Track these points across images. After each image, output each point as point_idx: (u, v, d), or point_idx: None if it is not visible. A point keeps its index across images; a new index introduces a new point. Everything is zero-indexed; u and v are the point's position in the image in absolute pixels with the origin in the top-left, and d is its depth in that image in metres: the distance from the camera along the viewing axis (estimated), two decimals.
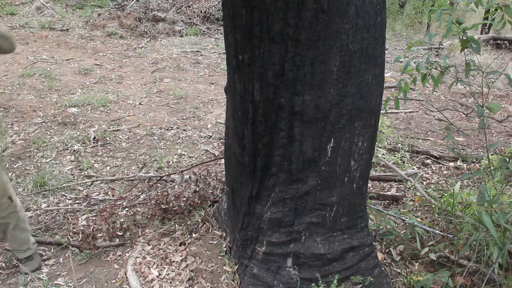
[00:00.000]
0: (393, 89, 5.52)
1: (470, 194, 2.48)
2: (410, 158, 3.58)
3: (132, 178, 3.15)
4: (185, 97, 5.32)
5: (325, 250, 1.81)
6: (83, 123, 4.24)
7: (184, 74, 6.57)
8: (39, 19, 9.62)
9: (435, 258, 2.01)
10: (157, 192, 2.85)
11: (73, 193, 2.94)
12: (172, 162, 3.47)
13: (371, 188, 3.05)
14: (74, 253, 2.30)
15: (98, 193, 2.96)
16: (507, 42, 8.57)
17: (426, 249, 2.07)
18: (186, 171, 3.14)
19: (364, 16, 1.52)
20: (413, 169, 3.37)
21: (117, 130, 4.10)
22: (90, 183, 3.09)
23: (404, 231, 2.30)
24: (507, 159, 1.72)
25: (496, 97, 5.71)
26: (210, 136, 4.07)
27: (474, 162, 3.42)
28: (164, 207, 2.55)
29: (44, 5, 10.40)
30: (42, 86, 5.33)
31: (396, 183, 3.13)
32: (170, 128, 4.25)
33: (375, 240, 2.25)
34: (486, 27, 9.26)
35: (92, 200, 2.87)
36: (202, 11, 10.14)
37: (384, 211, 2.49)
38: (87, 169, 3.29)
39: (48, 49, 7.48)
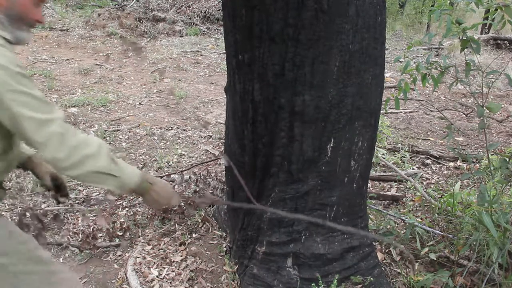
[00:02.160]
0: (393, 89, 5.52)
1: (470, 194, 2.48)
2: (410, 158, 3.58)
3: None
4: (185, 97, 5.32)
5: (325, 250, 1.80)
6: (83, 123, 4.24)
7: (184, 74, 6.57)
8: None
9: (435, 258, 2.01)
10: None
11: (73, 193, 2.93)
12: (172, 162, 3.47)
13: (371, 188, 3.05)
14: (74, 253, 2.30)
15: (98, 193, 2.96)
16: (507, 42, 8.57)
17: (426, 249, 2.07)
18: (186, 171, 3.14)
19: (364, 16, 1.52)
20: (413, 169, 3.37)
21: (117, 130, 4.10)
22: None
23: (404, 231, 2.30)
24: (507, 159, 1.72)
25: (496, 97, 5.72)
26: (210, 136, 4.07)
27: (474, 162, 3.42)
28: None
29: (44, 5, 10.38)
30: (42, 86, 5.33)
31: (396, 183, 3.13)
32: (170, 128, 4.25)
33: (375, 240, 2.25)
34: (486, 27, 9.27)
35: (92, 200, 2.87)
36: (202, 11, 10.15)
37: (384, 211, 2.49)
38: None
39: (48, 49, 7.48)
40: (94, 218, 2.59)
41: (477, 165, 3.36)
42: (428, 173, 3.35)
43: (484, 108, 1.72)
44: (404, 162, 3.45)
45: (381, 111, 1.88)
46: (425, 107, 5.17)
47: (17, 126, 1.04)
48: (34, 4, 1.14)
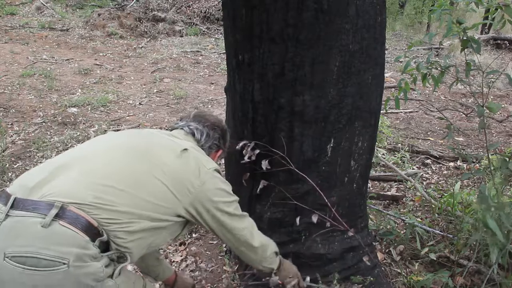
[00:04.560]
0: (393, 89, 5.52)
1: (470, 194, 2.47)
2: (410, 158, 3.58)
3: None
4: (185, 97, 5.32)
5: (325, 250, 1.80)
6: (83, 123, 4.24)
7: (184, 74, 6.57)
8: (39, 19, 9.63)
9: (435, 258, 2.01)
10: None
11: None
12: None
13: (371, 188, 3.05)
14: None
15: None
16: (507, 42, 8.57)
17: (426, 249, 2.06)
18: None
19: (364, 16, 1.52)
20: (413, 169, 3.37)
21: (117, 130, 4.09)
22: None
23: (404, 231, 2.30)
24: (507, 159, 1.72)
25: (496, 97, 5.71)
26: None
27: (474, 162, 3.42)
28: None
29: (44, 5, 10.40)
30: (42, 86, 5.33)
31: (396, 183, 3.13)
32: None
33: (375, 240, 2.25)
34: (486, 27, 9.26)
35: None
36: (202, 11, 10.15)
37: (384, 211, 2.49)
38: None
39: (48, 49, 7.48)
40: None
41: (477, 165, 3.36)
42: (428, 173, 3.35)
43: (484, 108, 1.71)
44: (404, 162, 3.45)
45: (381, 111, 1.88)
46: (425, 107, 5.17)
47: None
48: (219, 158, 1.57)
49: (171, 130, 1.48)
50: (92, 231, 1.03)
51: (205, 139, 1.45)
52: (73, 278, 0.99)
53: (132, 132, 1.38)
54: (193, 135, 1.44)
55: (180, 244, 2.32)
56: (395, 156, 3.54)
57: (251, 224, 1.42)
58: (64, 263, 0.97)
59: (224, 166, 2.14)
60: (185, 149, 1.25)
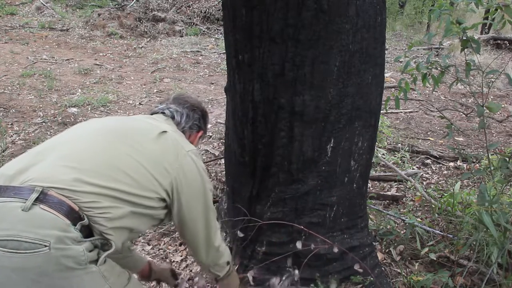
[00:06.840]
0: (393, 89, 5.52)
1: (470, 194, 2.48)
2: (410, 158, 3.58)
3: None
4: None
5: (325, 250, 1.80)
6: None
7: (184, 74, 6.57)
8: (39, 19, 9.63)
9: (435, 258, 2.01)
10: None
11: None
12: None
13: (371, 188, 3.05)
14: None
15: None
16: (507, 42, 8.56)
17: (426, 249, 2.06)
18: None
19: (364, 16, 1.52)
20: (413, 169, 3.37)
21: None
22: None
23: (404, 231, 2.30)
24: (507, 159, 1.72)
25: (496, 97, 5.72)
26: (210, 136, 4.07)
27: (474, 162, 3.41)
28: None
29: (44, 5, 10.40)
30: (42, 86, 5.33)
31: (396, 183, 3.13)
32: None
33: (375, 240, 2.25)
34: (486, 27, 9.26)
35: None
36: (202, 11, 10.15)
37: (384, 211, 2.49)
38: None
39: (48, 49, 7.48)
40: None
41: (477, 165, 3.36)
42: (428, 173, 3.35)
43: (484, 108, 1.71)
44: (404, 162, 3.45)
45: (381, 111, 1.88)
46: (425, 107, 5.17)
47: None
48: (200, 139, 1.58)
49: (151, 114, 1.49)
50: (73, 215, 1.03)
51: (185, 120, 1.47)
52: (54, 260, 0.99)
53: (111, 117, 1.39)
54: (173, 117, 1.46)
55: (180, 244, 2.32)
56: (395, 156, 3.54)
57: (217, 225, 1.43)
58: (45, 245, 0.97)
59: (224, 166, 2.14)
60: (164, 132, 1.28)
